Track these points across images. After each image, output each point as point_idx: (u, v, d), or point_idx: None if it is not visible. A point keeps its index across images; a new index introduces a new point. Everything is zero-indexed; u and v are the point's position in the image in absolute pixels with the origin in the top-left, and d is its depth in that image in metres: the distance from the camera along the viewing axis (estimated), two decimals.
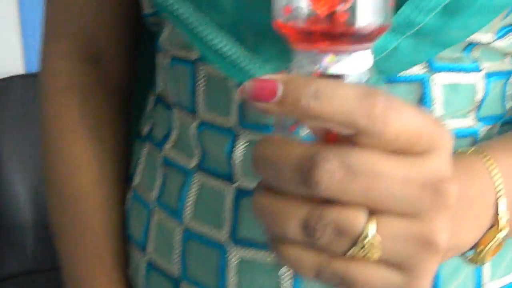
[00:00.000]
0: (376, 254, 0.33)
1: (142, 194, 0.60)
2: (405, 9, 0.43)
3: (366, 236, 0.32)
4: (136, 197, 0.61)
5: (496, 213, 0.44)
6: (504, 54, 0.52)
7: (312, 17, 0.33)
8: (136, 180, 0.62)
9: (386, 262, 0.33)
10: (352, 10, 0.33)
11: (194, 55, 0.53)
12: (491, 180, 0.45)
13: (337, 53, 0.33)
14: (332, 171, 0.31)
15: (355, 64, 0.34)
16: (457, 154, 0.47)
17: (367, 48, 0.34)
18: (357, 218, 0.32)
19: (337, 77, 0.34)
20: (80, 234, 0.61)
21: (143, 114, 0.64)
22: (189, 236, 0.55)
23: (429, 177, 0.33)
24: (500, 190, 0.44)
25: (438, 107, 0.49)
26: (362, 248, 0.32)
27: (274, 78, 0.32)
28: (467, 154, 0.46)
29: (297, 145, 0.32)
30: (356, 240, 0.32)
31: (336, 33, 0.32)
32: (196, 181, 0.55)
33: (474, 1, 0.43)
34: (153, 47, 0.60)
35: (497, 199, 0.44)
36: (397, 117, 0.31)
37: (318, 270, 0.33)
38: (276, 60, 0.47)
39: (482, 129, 0.52)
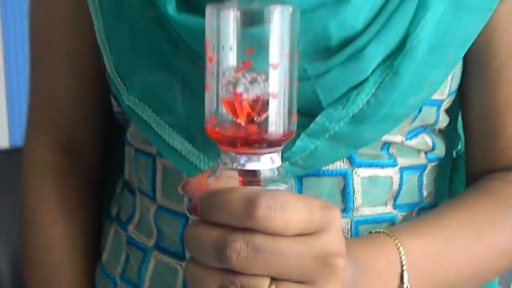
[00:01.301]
0: None
1: (109, 269, 0.68)
2: (319, 118, 0.53)
3: None
4: (104, 271, 0.69)
5: (402, 283, 0.52)
6: (418, 151, 0.62)
7: (234, 125, 0.43)
8: (104, 256, 0.70)
9: None
10: (264, 121, 0.42)
11: (154, 150, 0.62)
12: (398, 256, 0.53)
13: (252, 154, 0.43)
14: (239, 249, 0.40)
15: (266, 162, 0.43)
16: (372, 234, 0.55)
17: (276, 151, 0.43)
18: (260, 284, 0.41)
19: (253, 172, 0.43)
20: None
21: (114, 195, 0.73)
22: None
23: (319, 252, 0.41)
24: (404, 264, 0.53)
25: (358, 197, 0.58)
26: None
27: (195, 198, 0.43)
28: (379, 234, 0.55)
29: (214, 229, 0.41)
30: None
31: (250, 140, 0.42)
32: (153, 258, 0.63)
33: (376, 113, 0.53)
34: (123, 138, 0.69)
35: (401, 272, 0.53)
36: (280, 213, 0.40)
37: None
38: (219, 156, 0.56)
39: (400, 215, 0.61)
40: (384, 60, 0.52)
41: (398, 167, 0.60)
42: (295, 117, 0.43)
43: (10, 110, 1.71)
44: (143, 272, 0.63)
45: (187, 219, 0.60)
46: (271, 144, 0.42)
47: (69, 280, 0.69)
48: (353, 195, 0.58)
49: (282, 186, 0.43)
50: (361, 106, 0.52)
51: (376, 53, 0.52)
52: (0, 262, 1.69)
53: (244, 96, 0.42)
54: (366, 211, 0.59)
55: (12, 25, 1.66)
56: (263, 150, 0.43)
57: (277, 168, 0.43)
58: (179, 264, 0.61)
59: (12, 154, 1.75)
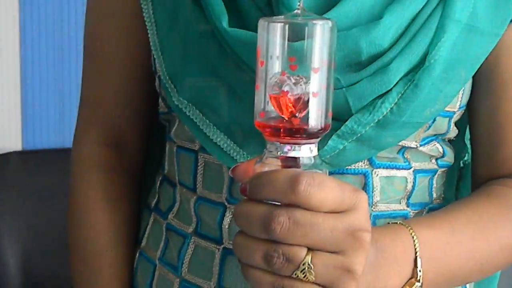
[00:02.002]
0: (311, 277, 0.49)
1: (148, 253, 0.76)
2: (349, 122, 0.61)
3: (304, 264, 0.49)
4: (143, 255, 0.77)
5: (415, 268, 0.60)
6: (430, 157, 0.70)
7: (279, 120, 0.51)
8: (144, 242, 0.78)
9: (319, 283, 0.50)
10: (305, 117, 0.51)
11: (196, 146, 0.70)
12: (412, 244, 0.61)
13: (294, 144, 0.51)
14: (282, 222, 0.48)
15: (306, 151, 0.51)
16: (390, 224, 0.63)
17: (314, 142, 0.51)
18: (298, 252, 0.49)
19: (294, 159, 0.51)
20: (96, 284, 0.77)
21: (152, 189, 0.81)
22: (184, 286, 0.71)
23: (350, 227, 0.49)
24: (418, 251, 0.60)
25: (376, 194, 0.66)
26: (302, 271, 0.49)
27: (244, 181, 0.51)
28: (396, 224, 0.63)
29: (261, 206, 0.49)
30: (298, 266, 0.49)
31: (293, 130, 0.50)
32: (192, 243, 0.71)
33: (397, 119, 0.61)
34: (163, 137, 0.77)
35: (415, 258, 0.60)
36: (318, 190, 0.48)
37: (273, 286, 0.49)
38: (258, 153, 0.65)
39: (412, 212, 0.69)
40: (406, 74, 0.61)
41: (412, 169, 0.68)
42: (330, 114, 0.52)
43: (24, 113, 1.73)
44: (182, 254, 0.71)
45: (225, 208, 0.68)
46: (311, 135, 0.51)
47: (111, 263, 0.77)
48: (372, 192, 0.66)
49: (319, 171, 0.51)
50: (385, 113, 0.61)
51: (400, 68, 0.60)
52: (10, 261, 1.74)
53: (289, 94, 0.50)
54: (382, 207, 0.67)
55: (30, 29, 1.69)
56: (303, 141, 0.51)
57: (314, 157, 0.52)
58: (216, 248, 0.69)
59: (25, 155, 1.79)
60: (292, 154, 0.51)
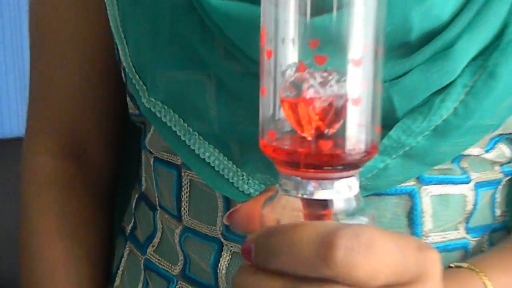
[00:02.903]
0: None
1: None
2: (394, 132, 0.43)
3: None
4: None
5: None
6: (493, 164, 0.52)
7: (297, 140, 0.32)
8: (117, 281, 0.60)
9: None
10: (339, 135, 0.32)
11: (179, 160, 0.52)
12: None
13: (322, 179, 0.32)
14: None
15: (342, 189, 0.33)
16: (453, 270, 0.46)
17: (354, 175, 0.33)
18: None
19: (324, 202, 0.33)
20: None
21: (127, 208, 0.63)
22: None
23: None
24: None
25: (427, 220, 0.48)
26: None
27: (248, 239, 0.32)
28: (463, 270, 0.45)
29: (276, 280, 0.31)
30: None
31: (320, 161, 0.32)
32: None
33: (463, 123, 0.43)
34: (139, 140, 0.59)
35: None
36: (365, 258, 0.30)
37: None
38: (262, 173, 0.46)
39: (473, 240, 0.51)
40: (474, 59, 0.42)
41: (472, 183, 0.50)
42: (378, 130, 0.33)
43: None
44: None
45: (220, 246, 0.50)
46: (349, 165, 0.32)
47: None
48: (421, 218, 0.48)
49: (362, 220, 0.33)
50: (445, 116, 0.43)
51: (468, 49, 0.42)
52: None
53: (314, 100, 0.32)
54: (436, 238, 0.49)
55: None
56: (338, 174, 0.32)
57: (355, 197, 0.33)
58: None
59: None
60: (320, 195, 0.33)
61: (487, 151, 0.50)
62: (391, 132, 0.43)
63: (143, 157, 0.58)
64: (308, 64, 0.32)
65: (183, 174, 0.52)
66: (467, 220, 0.51)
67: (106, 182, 0.64)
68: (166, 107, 0.48)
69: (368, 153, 0.32)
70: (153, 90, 0.48)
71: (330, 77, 0.32)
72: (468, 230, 0.51)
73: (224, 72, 0.45)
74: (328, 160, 0.32)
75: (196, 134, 0.48)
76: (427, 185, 0.48)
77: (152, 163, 0.55)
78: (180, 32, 0.46)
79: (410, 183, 0.48)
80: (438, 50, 0.42)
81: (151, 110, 0.49)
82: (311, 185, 0.32)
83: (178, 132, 0.48)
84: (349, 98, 0.32)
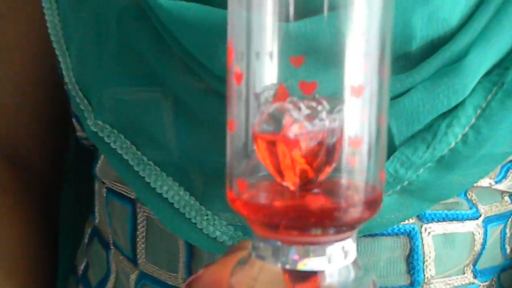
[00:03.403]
0: None
1: None
2: (390, 164, 0.36)
3: None
4: None
5: None
6: (502, 194, 0.44)
7: (276, 195, 0.24)
8: None
9: None
10: (330, 187, 0.24)
11: (133, 194, 0.43)
12: None
13: (310, 244, 0.24)
14: None
15: (335, 256, 0.25)
16: None
17: (350, 236, 0.25)
18: None
19: (312, 274, 0.25)
20: None
21: (81, 242, 0.54)
22: None
23: None
24: None
25: (430, 265, 0.41)
26: None
27: None
28: None
29: None
30: None
31: (306, 222, 0.23)
32: None
33: (474, 153, 0.36)
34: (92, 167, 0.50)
35: None
36: None
37: None
38: (231, 211, 0.38)
39: (482, 285, 0.44)
40: (487, 74, 0.35)
41: (481, 218, 0.42)
42: (383, 177, 0.25)
43: None
44: None
45: None
46: (345, 225, 0.24)
47: None
48: (423, 263, 0.40)
49: None
50: (453, 144, 0.35)
51: (481, 62, 0.34)
52: None
53: (300, 140, 0.24)
54: (440, 285, 0.41)
55: None
56: (331, 237, 0.24)
57: (353, 263, 0.25)
58: None
59: None
60: (306, 265, 0.24)
61: (498, 182, 0.42)
62: (387, 165, 0.36)
63: (95, 186, 0.49)
64: (291, 87, 0.24)
65: (138, 210, 0.43)
66: (475, 262, 0.43)
67: (51, 194, 0.55)
68: (115, 131, 0.40)
69: (370, 209, 0.24)
70: (100, 110, 0.40)
71: (319, 107, 0.24)
72: (476, 274, 0.43)
73: (182, 90, 0.37)
74: (317, 221, 0.24)
75: (152, 163, 0.39)
76: (429, 223, 0.41)
77: (104, 195, 0.47)
78: (128, 42, 0.37)
79: (409, 221, 0.40)
80: (445, 63, 0.35)
81: (98, 135, 0.40)
82: (295, 252, 0.24)
83: (130, 161, 0.40)
84: (345, 136, 0.23)
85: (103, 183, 0.47)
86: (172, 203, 0.39)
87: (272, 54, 0.24)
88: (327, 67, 0.23)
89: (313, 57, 0.24)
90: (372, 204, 0.24)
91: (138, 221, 0.43)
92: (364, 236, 0.39)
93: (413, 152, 0.35)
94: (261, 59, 0.24)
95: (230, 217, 0.39)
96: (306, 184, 0.24)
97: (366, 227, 0.38)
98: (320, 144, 0.24)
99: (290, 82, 0.24)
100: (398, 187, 0.36)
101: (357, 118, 0.23)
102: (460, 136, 0.35)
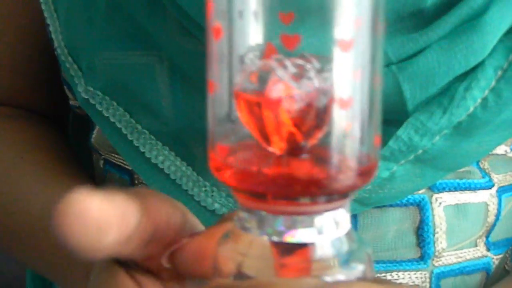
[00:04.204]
0: None
1: None
2: (403, 131, 0.34)
3: None
4: None
5: None
6: None
7: (261, 161, 0.22)
8: None
9: None
10: (320, 152, 0.22)
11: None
12: None
13: (298, 214, 0.22)
14: None
15: (324, 228, 0.23)
16: None
17: (342, 206, 0.23)
18: None
19: (302, 246, 0.23)
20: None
21: None
22: None
23: None
24: None
25: (441, 237, 0.39)
26: None
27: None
28: None
29: None
30: None
31: (294, 189, 0.22)
32: None
33: (494, 118, 0.34)
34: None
35: None
36: None
37: None
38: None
39: (495, 258, 0.42)
40: (508, 32, 0.34)
41: (495, 188, 0.40)
42: (378, 141, 0.23)
43: None
44: None
45: None
46: (336, 193, 0.22)
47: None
48: (434, 235, 0.39)
49: (356, 269, 0.23)
50: (471, 109, 0.33)
51: (502, 19, 0.33)
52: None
53: (284, 102, 0.22)
54: (451, 258, 0.40)
55: None
56: (320, 207, 0.22)
57: (346, 234, 0.23)
58: None
59: None
60: (294, 237, 0.23)
61: None
62: (400, 132, 0.34)
63: (93, 157, 0.48)
64: (278, 46, 0.22)
65: (136, 182, 0.42)
66: (488, 234, 0.41)
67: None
68: (107, 98, 0.38)
69: (363, 175, 0.22)
70: (91, 76, 0.39)
71: (308, 66, 0.22)
72: (489, 246, 0.42)
73: (178, 53, 0.36)
74: (305, 188, 0.22)
75: (146, 132, 0.38)
76: (440, 192, 0.39)
77: (102, 166, 0.45)
78: (120, 3, 0.35)
79: (419, 191, 0.38)
80: (463, 20, 0.33)
81: (89, 102, 0.39)
82: (281, 223, 0.22)
83: (123, 130, 0.38)
84: (335, 97, 0.21)
85: (100, 154, 0.45)
86: (168, 174, 0.38)
87: (257, 14, 0.22)
88: (314, 20, 0.21)
89: (302, 12, 0.22)
90: (365, 170, 0.22)
91: None
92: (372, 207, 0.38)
93: (429, 118, 0.34)
94: (244, 18, 0.22)
95: (226, 190, 0.37)
96: (294, 150, 0.22)
97: (376, 199, 0.36)
98: (309, 105, 0.22)
99: (278, 45, 0.22)
100: (412, 156, 0.35)
101: (348, 77, 0.21)
102: (479, 100, 0.34)
